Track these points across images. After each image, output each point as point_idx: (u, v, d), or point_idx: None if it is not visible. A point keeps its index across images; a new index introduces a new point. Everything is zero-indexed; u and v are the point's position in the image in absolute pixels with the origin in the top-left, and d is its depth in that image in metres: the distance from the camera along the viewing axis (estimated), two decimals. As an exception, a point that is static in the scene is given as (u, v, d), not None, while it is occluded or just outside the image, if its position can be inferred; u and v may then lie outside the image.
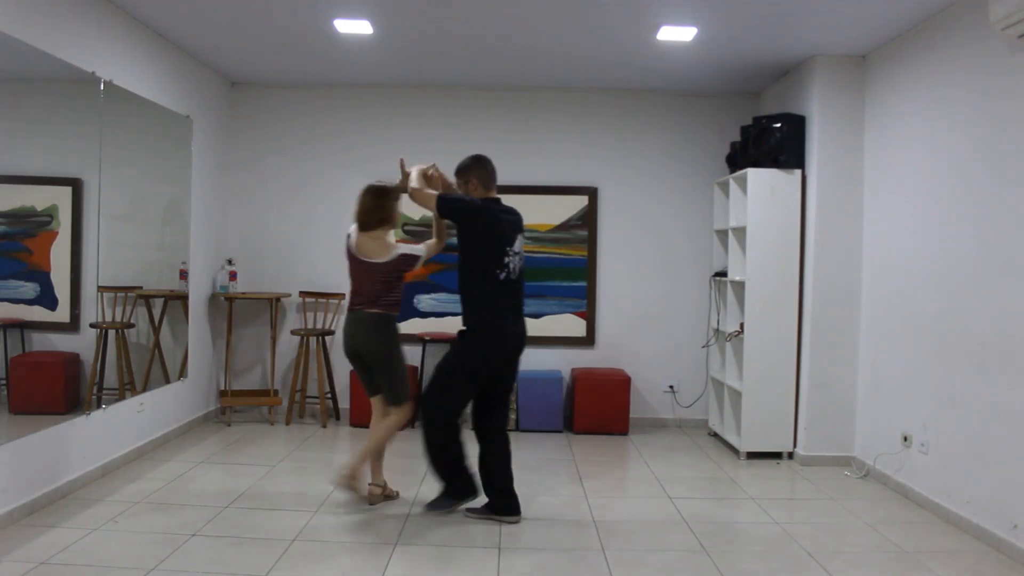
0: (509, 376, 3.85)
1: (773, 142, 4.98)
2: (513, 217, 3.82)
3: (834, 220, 4.85)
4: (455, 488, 3.81)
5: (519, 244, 3.76)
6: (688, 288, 5.98)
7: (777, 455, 5.05)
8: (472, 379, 3.70)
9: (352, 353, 3.89)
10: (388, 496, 4.03)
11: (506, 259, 3.66)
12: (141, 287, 4.80)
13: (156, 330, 4.95)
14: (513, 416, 5.71)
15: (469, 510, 3.81)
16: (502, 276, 3.65)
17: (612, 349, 6.01)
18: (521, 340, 3.80)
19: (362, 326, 3.83)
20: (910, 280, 4.27)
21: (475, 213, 3.66)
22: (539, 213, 5.87)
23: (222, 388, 5.89)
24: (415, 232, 5.98)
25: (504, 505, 3.75)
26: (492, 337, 3.69)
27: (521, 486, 3.97)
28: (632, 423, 5.83)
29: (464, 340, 3.73)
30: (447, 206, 3.67)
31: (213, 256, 5.76)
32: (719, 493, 4.36)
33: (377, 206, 3.85)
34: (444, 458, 3.76)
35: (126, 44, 4.44)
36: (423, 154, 5.95)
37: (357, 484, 3.85)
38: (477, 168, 3.79)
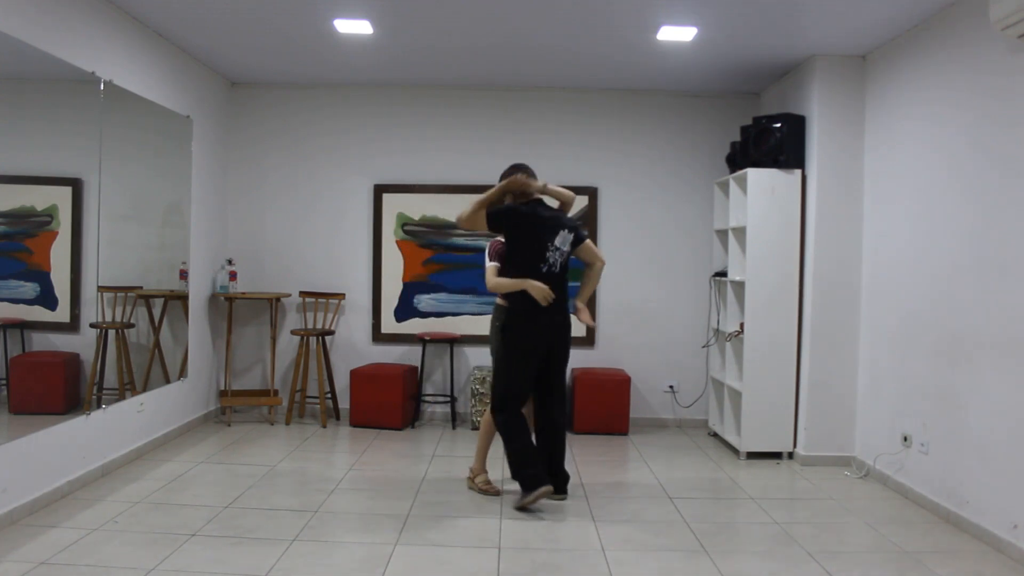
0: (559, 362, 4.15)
1: (773, 142, 4.98)
2: (549, 213, 4.12)
3: (834, 220, 4.85)
4: (526, 479, 3.92)
5: (560, 239, 4.04)
6: (688, 288, 5.98)
7: (777, 455, 5.05)
8: (521, 363, 4.01)
9: None
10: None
11: (547, 253, 3.99)
12: (141, 287, 4.80)
13: (156, 330, 4.95)
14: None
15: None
16: (544, 269, 3.98)
17: (612, 349, 6.01)
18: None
19: None
20: (910, 280, 4.27)
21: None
22: (539, 213, 5.87)
23: (222, 388, 5.90)
24: (414, 232, 5.99)
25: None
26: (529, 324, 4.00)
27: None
28: (632, 423, 5.83)
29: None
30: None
31: (213, 256, 5.76)
32: (719, 493, 4.36)
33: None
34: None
35: (126, 44, 4.44)
36: (423, 153, 6.00)
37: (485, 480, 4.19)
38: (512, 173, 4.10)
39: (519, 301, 3.96)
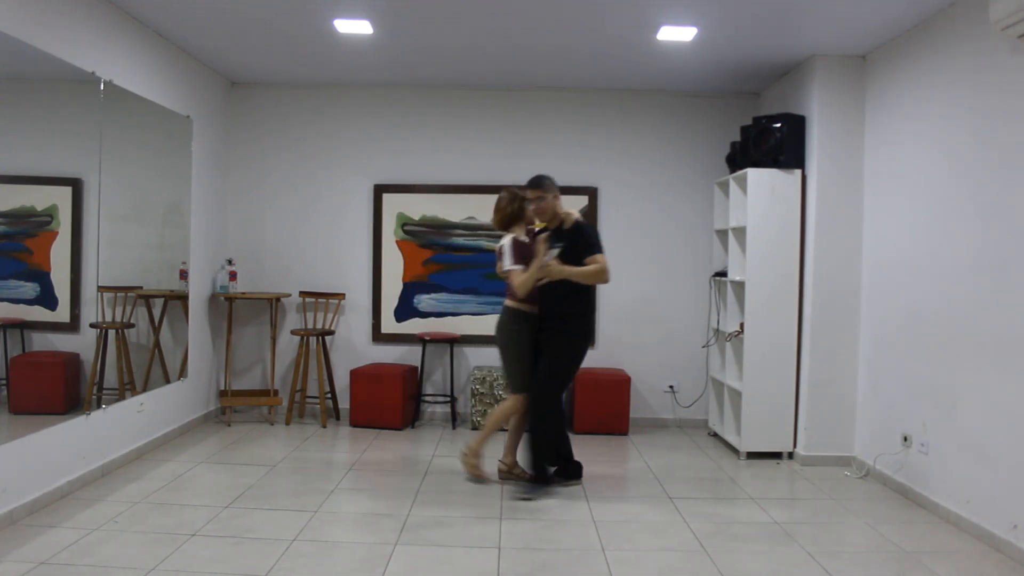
0: None
1: (773, 142, 4.98)
2: None
3: (834, 220, 4.85)
4: (546, 473, 4.30)
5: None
6: (688, 288, 5.98)
7: (777, 455, 5.05)
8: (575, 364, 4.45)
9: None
10: (516, 475, 4.36)
11: None
12: (141, 287, 4.80)
13: (156, 330, 4.95)
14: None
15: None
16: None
17: (612, 349, 6.01)
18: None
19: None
20: (910, 280, 4.27)
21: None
22: (539, 213, 5.86)
23: (222, 388, 5.90)
24: (414, 232, 5.99)
25: (573, 470, 4.43)
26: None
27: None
28: (632, 423, 5.83)
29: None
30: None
31: (213, 256, 5.76)
32: (719, 493, 4.36)
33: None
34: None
35: (126, 44, 4.44)
36: (423, 154, 6.00)
37: (477, 463, 4.38)
38: (554, 182, 4.30)
39: (590, 305, 4.38)
